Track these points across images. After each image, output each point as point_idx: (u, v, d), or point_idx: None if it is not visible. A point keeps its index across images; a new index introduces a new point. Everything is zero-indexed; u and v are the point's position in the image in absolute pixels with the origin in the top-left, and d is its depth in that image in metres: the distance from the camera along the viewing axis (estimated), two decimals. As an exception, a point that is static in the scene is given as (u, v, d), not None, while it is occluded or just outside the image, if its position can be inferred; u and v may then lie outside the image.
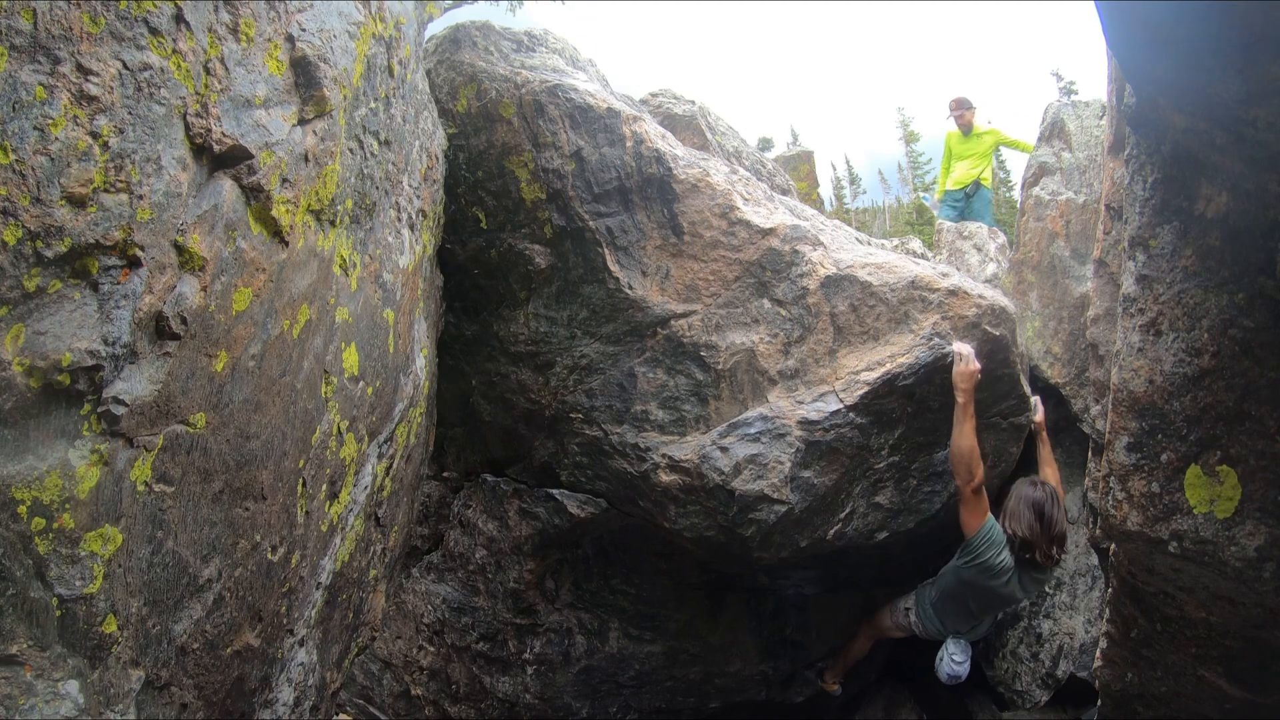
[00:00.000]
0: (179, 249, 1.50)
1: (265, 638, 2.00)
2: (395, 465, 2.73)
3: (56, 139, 1.26)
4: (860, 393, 3.07)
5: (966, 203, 7.80)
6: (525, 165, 3.22)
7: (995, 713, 4.28)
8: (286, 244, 1.80)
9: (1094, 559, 3.78)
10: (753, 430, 3.12)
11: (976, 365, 3.02)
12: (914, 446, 3.29)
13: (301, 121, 1.81)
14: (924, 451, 3.31)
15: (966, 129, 7.85)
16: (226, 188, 1.61)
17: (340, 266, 2.12)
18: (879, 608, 3.97)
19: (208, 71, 1.53)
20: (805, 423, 3.09)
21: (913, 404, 3.18)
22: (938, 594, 3.43)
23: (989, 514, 3.11)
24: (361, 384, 2.32)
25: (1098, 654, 2.42)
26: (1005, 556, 3.09)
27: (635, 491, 3.36)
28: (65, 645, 1.41)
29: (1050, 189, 3.96)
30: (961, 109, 7.83)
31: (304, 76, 1.81)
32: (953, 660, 3.44)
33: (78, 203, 1.30)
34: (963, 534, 3.17)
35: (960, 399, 3.01)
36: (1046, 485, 3.19)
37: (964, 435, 3.02)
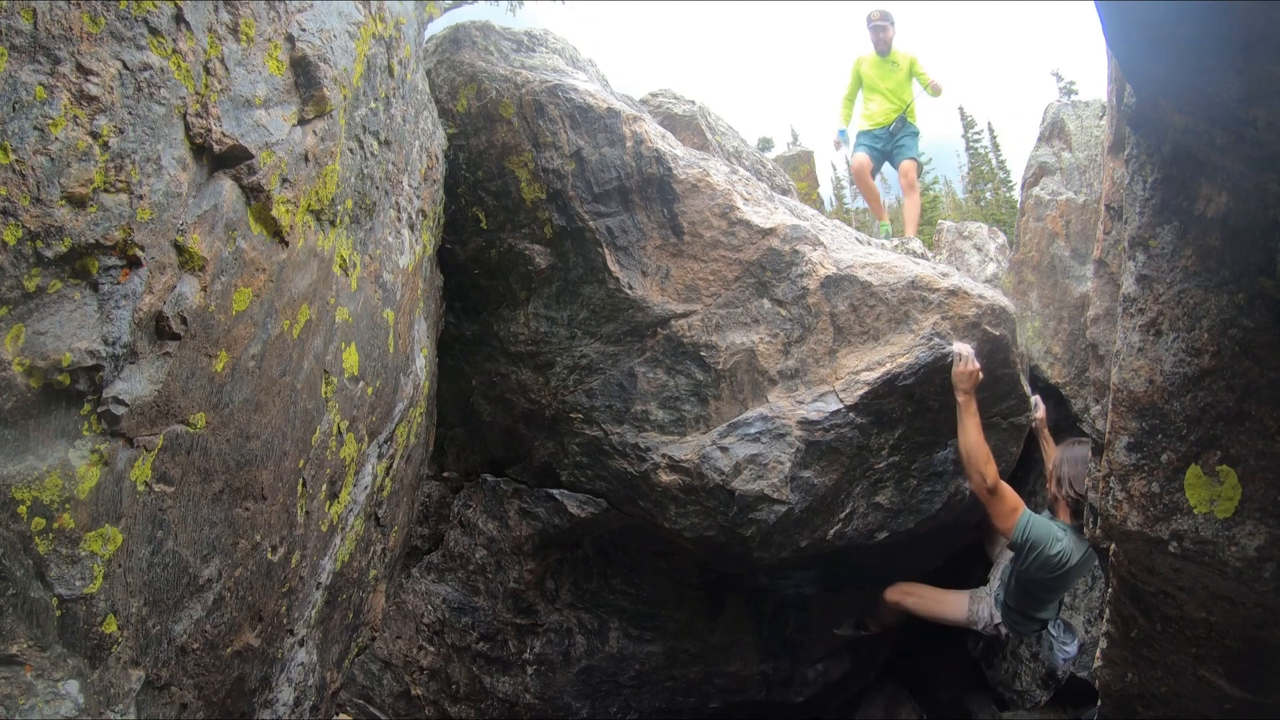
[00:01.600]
0: (179, 249, 1.50)
1: (265, 638, 2.00)
2: (395, 465, 2.73)
3: (56, 139, 1.26)
4: (860, 393, 3.07)
5: (890, 141, 6.48)
6: (525, 165, 3.22)
7: (995, 713, 4.28)
8: (286, 244, 1.80)
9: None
10: (753, 430, 3.12)
11: (976, 365, 3.01)
12: (914, 446, 3.29)
13: (301, 121, 1.81)
14: (924, 451, 3.31)
15: (885, 48, 6.44)
16: (226, 188, 1.61)
17: (340, 266, 2.12)
18: (937, 592, 3.58)
19: (208, 71, 1.53)
20: (805, 423, 3.09)
21: (913, 404, 3.18)
22: (1014, 600, 3.19)
23: (1022, 507, 2.94)
24: (361, 384, 2.32)
25: (1098, 654, 2.42)
26: (1061, 542, 2.89)
27: (635, 491, 3.36)
28: (65, 645, 1.41)
29: (1050, 189, 3.96)
30: (886, 22, 6.43)
31: (304, 76, 1.81)
32: (1063, 647, 3.24)
33: (78, 203, 1.30)
34: (982, 538, 3.11)
35: (961, 399, 2.99)
36: (1086, 438, 3.03)
37: (968, 433, 2.96)
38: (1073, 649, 3.24)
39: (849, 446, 3.15)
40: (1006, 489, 2.96)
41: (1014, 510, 2.93)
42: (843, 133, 6.80)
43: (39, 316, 1.30)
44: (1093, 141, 3.97)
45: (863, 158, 6.50)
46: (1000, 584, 3.32)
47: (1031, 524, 2.91)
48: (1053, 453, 3.49)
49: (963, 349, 3.02)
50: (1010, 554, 3.08)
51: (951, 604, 3.51)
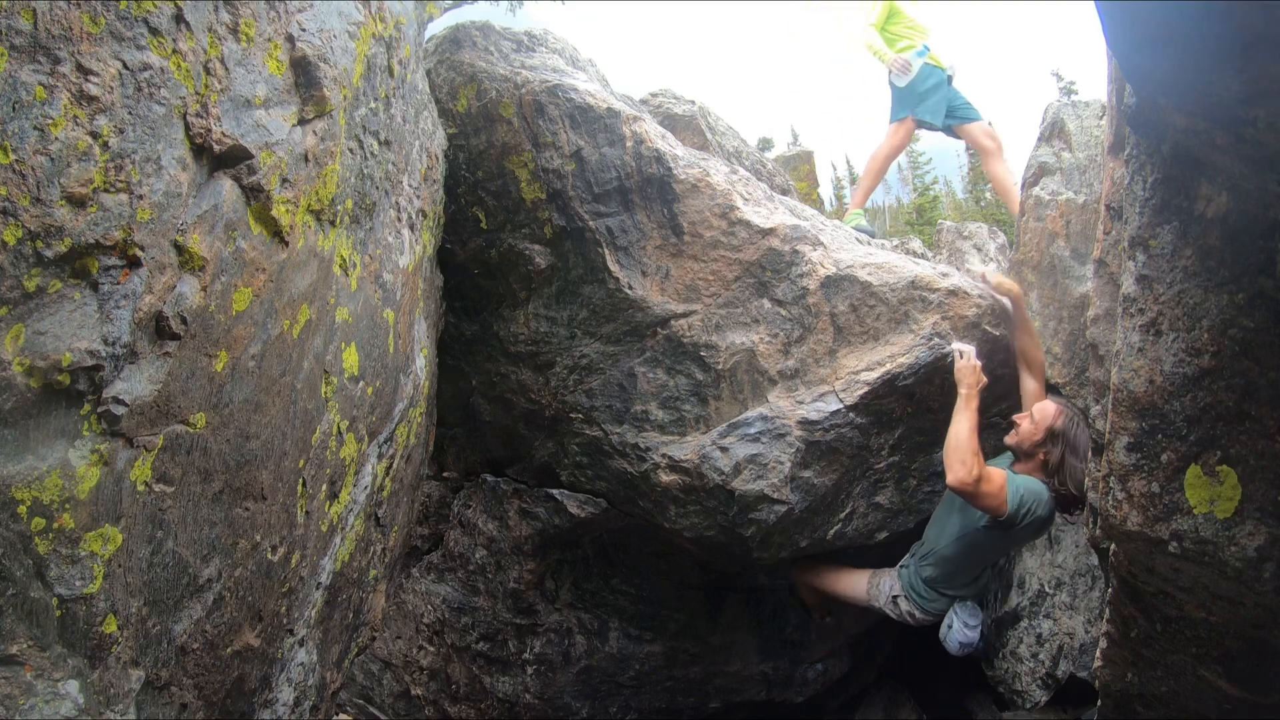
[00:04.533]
0: (179, 249, 1.50)
1: (265, 638, 2.00)
2: (395, 465, 2.72)
3: (56, 139, 1.26)
4: (860, 393, 3.07)
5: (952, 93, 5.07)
6: (525, 165, 3.22)
7: (995, 713, 4.28)
8: (286, 244, 1.80)
9: (1094, 559, 3.77)
10: (753, 430, 3.12)
11: (978, 362, 2.95)
12: (914, 446, 3.29)
13: (301, 121, 1.81)
14: (924, 451, 3.31)
15: None
16: (226, 188, 1.61)
17: (340, 266, 2.12)
18: (837, 569, 3.46)
19: (208, 71, 1.53)
20: (805, 423, 3.08)
21: (913, 404, 3.18)
22: (941, 570, 3.01)
23: (1005, 476, 2.76)
24: (361, 384, 2.32)
25: (1098, 654, 2.42)
26: (1047, 503, 2.77)
27: (635, 491, 3.36)
28: (65, 645, 1.41)
29: (1050, 189, 3.96)
30: None
31: (304, 76, 1.81)
32: (965, 627, 3.02)
33: (78, 203, 1.30)
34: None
35: (964, 391, 2.86)
36: (1081, 417, 2.83)
37: (960, 425, 2.78)
38: (975, 634, 3.03)
39: (849, 446, 3.14)
40: (989, 471, 2.76)
41: (1002, 486, 2.73)
42: (924, 49, 4.94)
43: (39, 316, 1.30)
44: (1093, 141, 3.97)
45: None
46: (915, 557, 3.11)
47: (1020, 489, 2.76)
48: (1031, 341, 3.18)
49: (963, 347, 2.99)
50: (978, 524, 2.87)
51: (848, 582, 3.38)
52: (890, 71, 5.05)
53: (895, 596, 3.16)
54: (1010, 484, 2.76)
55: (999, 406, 3.39)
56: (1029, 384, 3.12)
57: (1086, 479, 2.53)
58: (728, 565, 3.77)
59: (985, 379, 2.96)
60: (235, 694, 1.91)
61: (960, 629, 3.04)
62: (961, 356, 2.97)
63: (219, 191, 1.59)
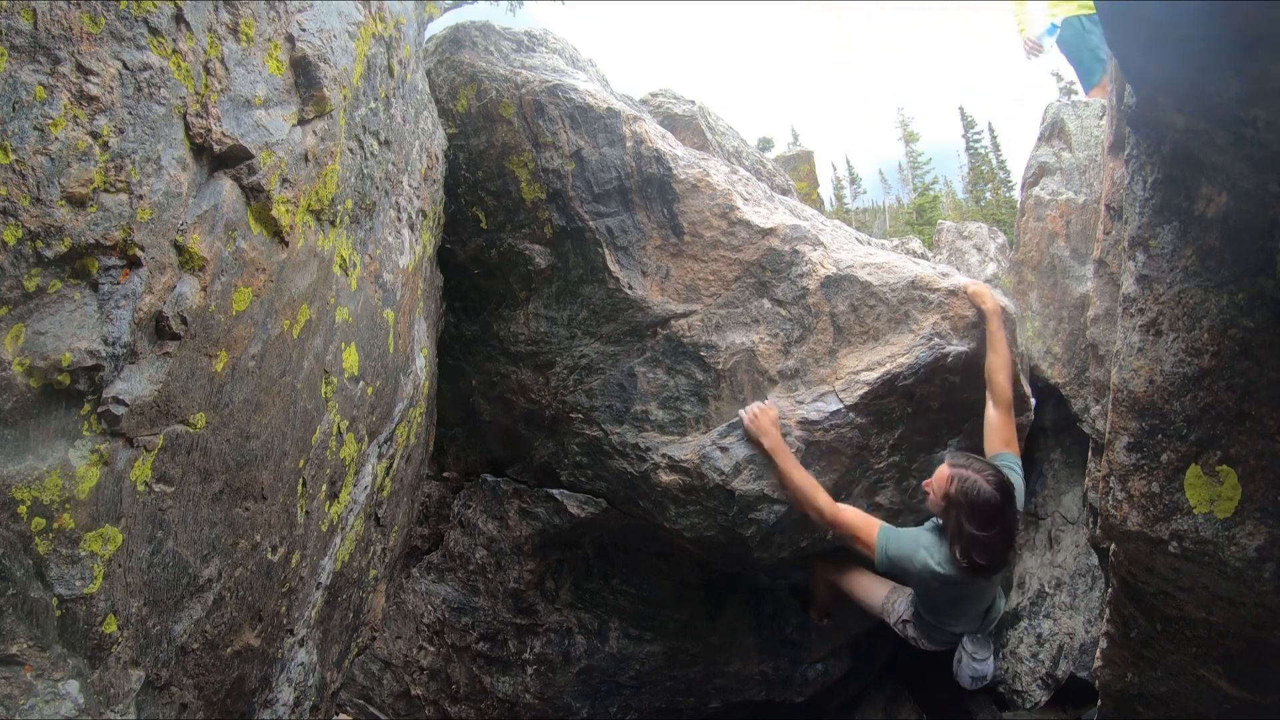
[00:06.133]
0: (179, 249, 1.50)
1: (265, 638, 2.00)
2: (395, 465, 2.73)
3: (56, 139, 1.26)
4: (860, 393, 3.07)
5: None
6: (525, 165, 3.22)
7: (995, 713, 4.28)
8: (286, 244, 1.80)
9: (1094, 559, 3.78)
10: (753, 430, 3.12)
11: (775, 412, 3.01)
12: (914, 447, 3.29)
13: (301, 121, 1.81)
14: (924, 451, 3.31)
15: None
16: (226, 188, 1.61)
17: (340, 266, 2.12)
18: (861, 572, 3.40)
19: (208, 71, 1.53)
20: (805, 423, 3.08)
21: (913, 404, 3.18)
22: (923, 608, 3.03)
23: (876, 526, 2.81)
24: (361, 384, 2.32)
25: (1098, 654, 2.42)
26: (927, 550, 2.68)
27: (635, 491, 3.36)
28: (65, 645, 1.41)
29: (1050, 189, 3.96)
30: None
31: (304, 76, 1.81)
32: (974, 661, 3.02)
33: (78, 203, 1.30)
34: None
35: (766, 443, 2.95)
36: (999, 481, 2.61)
37: (787, 473, 2.91)
38: (986, 666, 3.05)
39: (849, 447, 3.14)
40: (847, 513, 2.84)
41: (869, 527, 2.79)
42: (1052, 28, 5.00)
43: (39, 316, 1.30)
44: (1093, 141, 3.97)
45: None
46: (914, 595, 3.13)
47: (890, 542, 2.76)
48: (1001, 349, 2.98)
49: (762, 405, 2.99)
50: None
51: (867, 589, 3.35)
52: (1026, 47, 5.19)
53: (905, 621, 3.16)
54: (881, 536, 2.81)
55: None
56: (989, 411, 2.97)
57: (1087, 480, 2.52)
58: (728, 565, 3.77)
59: (780, 430, 3.01)
60: (235, 694, 1.91)
61: (969, 663, 3.05)
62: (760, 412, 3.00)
63: (219, 191, 1.59)
